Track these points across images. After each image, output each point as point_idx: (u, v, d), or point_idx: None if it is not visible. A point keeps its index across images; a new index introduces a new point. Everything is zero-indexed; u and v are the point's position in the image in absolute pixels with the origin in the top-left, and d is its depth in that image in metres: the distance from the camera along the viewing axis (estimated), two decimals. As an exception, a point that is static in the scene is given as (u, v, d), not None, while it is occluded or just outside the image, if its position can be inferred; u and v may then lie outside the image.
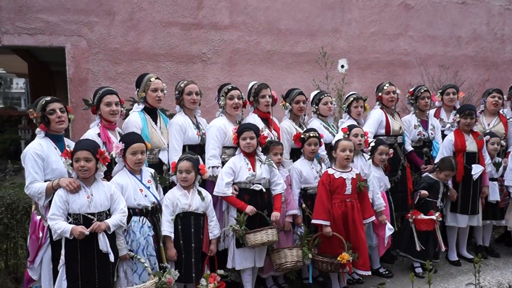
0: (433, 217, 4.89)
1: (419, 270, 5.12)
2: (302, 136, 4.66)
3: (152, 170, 4.14)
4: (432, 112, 5.83)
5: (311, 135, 4.62)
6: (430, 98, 5.56)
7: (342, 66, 9.74)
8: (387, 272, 5.19)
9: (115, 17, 8.26)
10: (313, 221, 4.32)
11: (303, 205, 4.55)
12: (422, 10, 10.06)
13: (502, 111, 5.80)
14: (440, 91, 5.87)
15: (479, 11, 10.33)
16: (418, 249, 4.91)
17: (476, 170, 5.19)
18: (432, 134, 5.58)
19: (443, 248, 5.02)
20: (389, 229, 4.78)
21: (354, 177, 4.38)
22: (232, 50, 9.01)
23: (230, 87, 4.84)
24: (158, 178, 4.10)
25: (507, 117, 5.81)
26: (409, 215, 4.99)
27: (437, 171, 5.13)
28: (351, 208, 4.31)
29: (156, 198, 3.99)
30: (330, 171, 4.37)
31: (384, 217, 4.78)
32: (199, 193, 4.11)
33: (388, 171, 5.19)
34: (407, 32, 10.06)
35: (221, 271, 4.12)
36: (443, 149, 5.27)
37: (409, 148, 5.51)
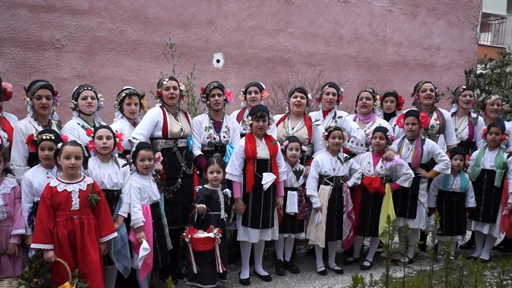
0: (211, 234, 3.91)
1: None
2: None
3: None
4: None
5: None
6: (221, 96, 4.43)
7: (218, 61, 8.74)
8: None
9: None
10: (32, 245, 3.24)
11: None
12: (303, 6, 9.21)
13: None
14: (244, 90, 4.80)
15: (361, 11, 9.63)
16: (195, 271, 3.95)
17: (267, 179, 4.28)
18: (225, 137, 4.60)
19: (220, 270, 4.03)
20: (143, 249, 3.73)
21: (84, 188, 3.33)
22: (92, 38, 7.76)
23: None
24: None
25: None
26: (184, 234, 4.01)
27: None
28: (80, 226, 3.25)
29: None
30: (53, 183, 3.28)
31: (142, 235, 3.73)
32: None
33: (164, 180, 4.20)
34: (288, 28, 9.19)
35: None
36: (233, 155, 4.30)
37: (197, 152, 4.47)
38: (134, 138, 4.11)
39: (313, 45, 9.39)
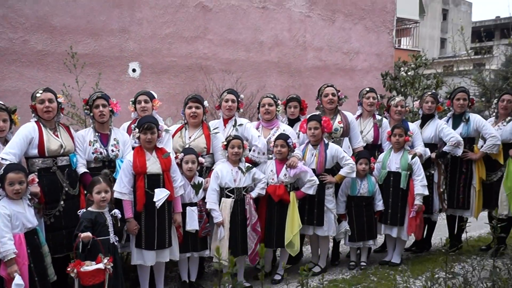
0: (101, 265, 3.41)
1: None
2: None
3: None
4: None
5: None
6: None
7: (134, 70, 8.21)
8: None
9: None
10: None
11: None
12: (221, 13, 8.88)
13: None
14: (133, 99, 4.37)
15: (280, 16, 9.43)
16: (80, 308, 3.44)
17: (160, 195, 3.84)
18: (113, 151, 4.18)
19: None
20: (16, 286, 3.21)
21: None
22: (-9, 48, 7.05)
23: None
24: None
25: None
26: (69, 268, 3.45)
27: None
28: None
29: None
30: None
31: (14, 269, 3.23)
32: None
33: (43, 203, 3.68)
34: (206, 35, 8.81)
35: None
36: (121, 172, 3.82)
37: (81, 170, 3.97)
38: (2, 159, 3.56)
39: (234, 51, 9.08)
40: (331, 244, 5.06)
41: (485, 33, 14.45)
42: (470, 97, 5.02)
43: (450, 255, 5.16)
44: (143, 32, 8.21)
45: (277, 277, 4.58)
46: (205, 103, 4.47)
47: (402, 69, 8.86)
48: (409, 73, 8.81)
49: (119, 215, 3.79)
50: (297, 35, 9.67)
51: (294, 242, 4.45)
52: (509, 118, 4.87)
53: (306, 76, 9.84)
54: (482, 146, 4.90)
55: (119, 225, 3.80)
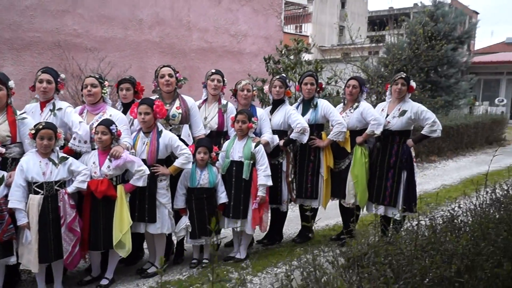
0: None
1: None
2: None
3: None
4: None
5: None
6: None
7: (-13, 45, 7.06)
8: None
9: None
10: None
11: None
12: (93, -14, 7.92)
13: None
14: None
15: (161, -7, 8.64)
16: None
17: None
18: None
19: None
20: None
21: None
22: None
23: None
24: None
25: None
26: None
27: None
28: None
29: None
30: None
31: None
32: None
33: None
34: (76, 9, 7.82)
35: None
36: None
37: None
38: None
39: (108, 29, 8.17)
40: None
41: (379, 22, 14.65)
42: (319, 81, 4.64)
43: (299, 246, 4.90)
44: (-2, 2, 7.08)
45: (104, 282, 3.94)
46: (11, 83, 3.66)
47: (283, 52, 8.47)
48: (291, 58, 8.45)
49: None
50: (180, 14, 8.94)
51: (124, 242, 3.83)
52: (356, 104, 4.57)
53: (191, 58, 9.18)
54: None
55: None
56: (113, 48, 8.24)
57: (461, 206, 3.46)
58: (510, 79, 21.43)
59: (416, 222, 3.22)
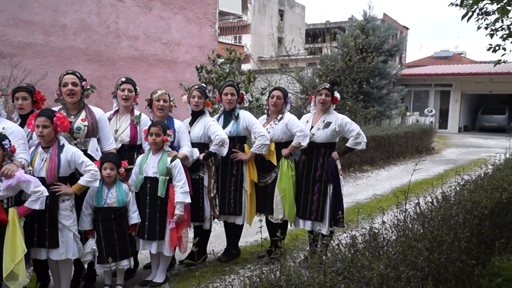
0: None
1: None
2: None
3: None
4: None
5: None
6: None
7: None
8: None
9: None
10: None
11: None
12: (9, -12, 7.23)
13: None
14: None
15: (86, -1, 8.07)
16: None
17: None
18: None
19: None
20: None
21: None
22: None
23: None
24: None
25: None
26: None
27: None
28: None
29: None
30: None
31: None
32: None
33: None
34: (-11, 12, 7.11)
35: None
36: None
37: None
38: None
39: (27, 34, 7.49)
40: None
41: (315, 34, 14.77)
42: (240, 92, 4.37)
43: (224, 265, 4.57)
44: None
45: None
46: None
47: (215, 62, 8.18)
48: (224, 67, 8.17)
49: None
50: (107, 20, 8.40)
51: (17, 273, 3.31)
52: (280, 116, 4.34)
53: (121, 66, 8.64)
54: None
55: None
56: (33, 54, 7.57)
57: (385, 222, 3.28)
58: (438, 91, 22.46)
59: (337, 243, 3.00)
